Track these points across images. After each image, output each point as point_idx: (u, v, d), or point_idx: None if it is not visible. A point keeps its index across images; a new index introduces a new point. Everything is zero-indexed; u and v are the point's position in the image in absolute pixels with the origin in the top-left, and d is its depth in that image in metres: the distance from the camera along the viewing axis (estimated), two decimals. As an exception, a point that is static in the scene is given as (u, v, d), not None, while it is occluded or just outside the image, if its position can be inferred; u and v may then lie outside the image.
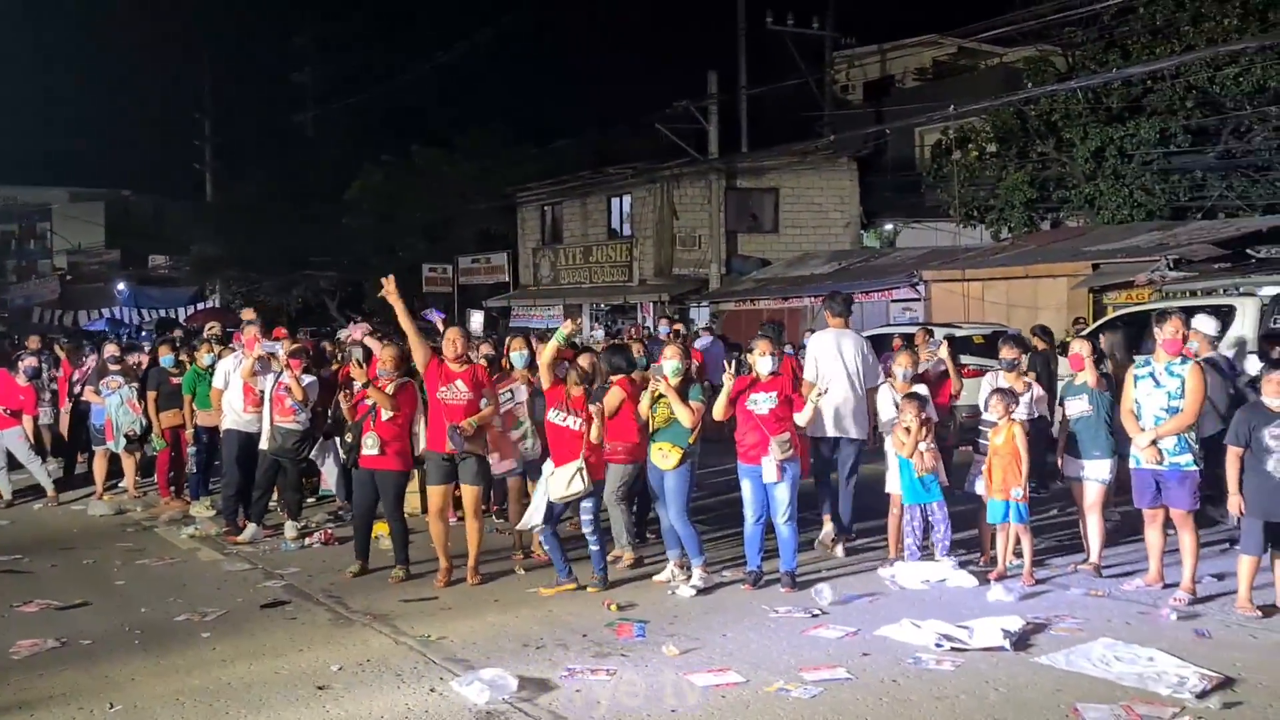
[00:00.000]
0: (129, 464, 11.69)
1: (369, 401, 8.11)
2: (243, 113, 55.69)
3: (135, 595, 7.73)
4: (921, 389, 8.24)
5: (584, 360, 7.78)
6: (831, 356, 8.35)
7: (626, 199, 27.95)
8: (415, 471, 9.80)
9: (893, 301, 20.39)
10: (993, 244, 23.00)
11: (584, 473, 7.39)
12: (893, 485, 8.09)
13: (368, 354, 9.79)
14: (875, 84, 33.42)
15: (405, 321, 7.91)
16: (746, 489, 7.62)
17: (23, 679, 5.91)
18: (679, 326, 13.15)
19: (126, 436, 11.45)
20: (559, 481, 7.43)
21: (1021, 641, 6.10)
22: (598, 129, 33.04)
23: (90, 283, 44.05)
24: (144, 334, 28.82)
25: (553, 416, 7.58)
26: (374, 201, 33.34)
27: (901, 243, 26.47)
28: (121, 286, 39.69)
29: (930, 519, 7.77)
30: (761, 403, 7.50)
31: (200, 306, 36.97)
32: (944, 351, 9.35)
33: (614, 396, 7.74)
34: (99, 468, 11.78)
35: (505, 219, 31.88)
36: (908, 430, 7.79)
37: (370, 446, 8.01)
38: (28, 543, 9.60)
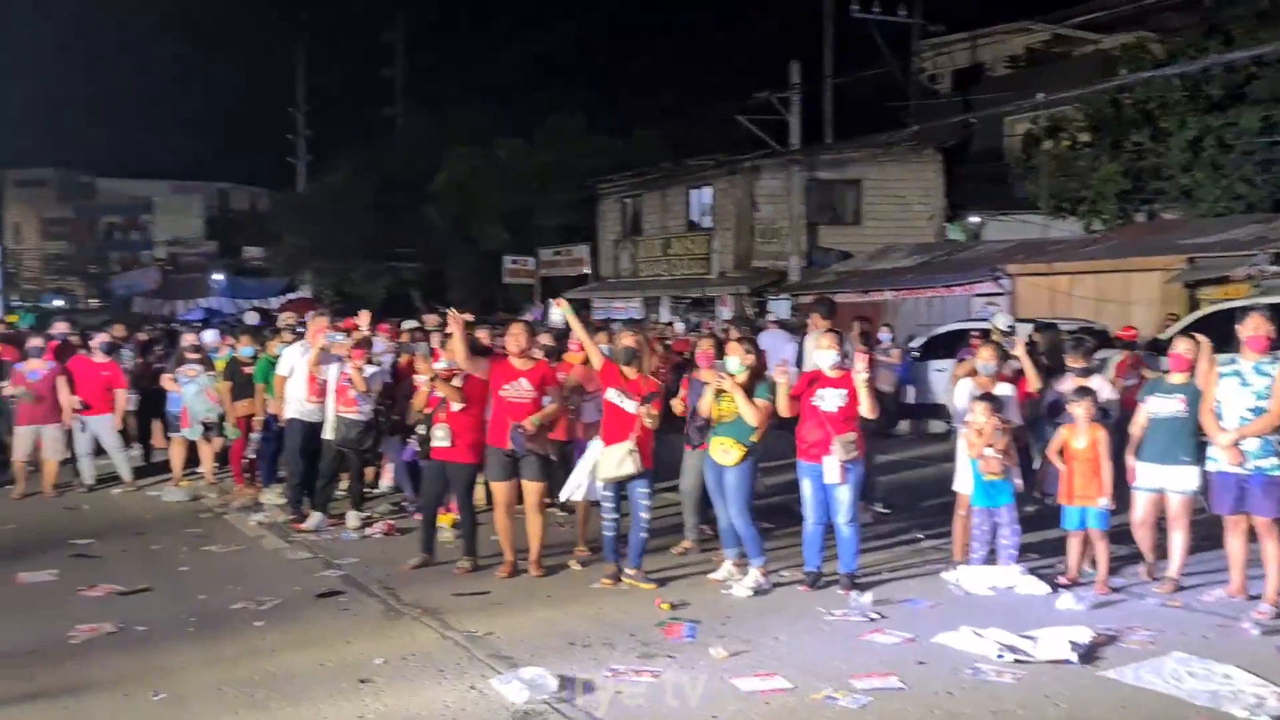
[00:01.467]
0: (206, 451, 11.89)
1: (439, 394, 8.09)
2: (336, 107, 56.92)
3: (196, 582, 7.82)
4: (1006, 389, 7.90)
5: (628, 339, 7.65)
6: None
7: (706, 191, 27.69)
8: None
9: (975, 296, 19.85)
10: (1082, 236, 22.26)
11: (636, 455, 7.30)
12: (961, 485, 7.78)
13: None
14: (964, 72, 32.58)
15: (459, 347, 7.76)
16: (806, 488, 7.43)
17: (75, 664, 5.99)
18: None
19: (204, 424, 11.65)
20: (610, 461, 7.35)
21: (1089, 654, 5.81)
22: (677, 119, 32.79)
23: (188, 273, 45.32)
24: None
25: (611, 395, 7.51)
26: (457, 192, 33.61)
27: (989, 235, 25.74)
28: (218, 277, 40.62)
29: (997, 521, 7.45)
30: (829, 399, 7.28)
31: (290, 297, 37.72)
32: (1020, 349, 9.04)
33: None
34: (175, 455, 12.00)
35: (585, 211, 31.90)
36: (979, 432, 7.48)
37: (441, 438, 7.98)
38: (101, 527, 9.80)
